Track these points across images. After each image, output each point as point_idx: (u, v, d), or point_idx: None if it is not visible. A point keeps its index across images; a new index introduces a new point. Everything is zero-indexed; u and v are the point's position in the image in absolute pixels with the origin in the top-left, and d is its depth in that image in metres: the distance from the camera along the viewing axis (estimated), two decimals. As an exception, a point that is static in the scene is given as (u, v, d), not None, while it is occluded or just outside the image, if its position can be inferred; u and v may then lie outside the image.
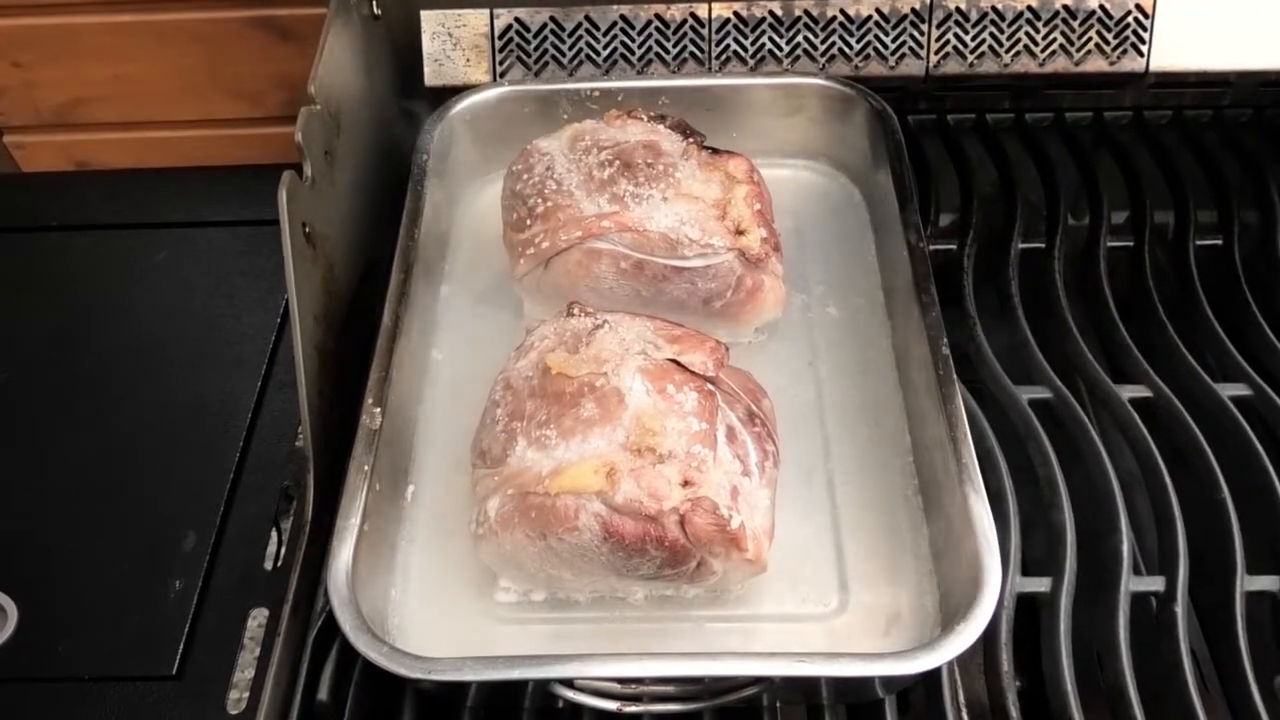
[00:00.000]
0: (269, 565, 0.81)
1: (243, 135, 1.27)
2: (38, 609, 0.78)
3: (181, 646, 0.76)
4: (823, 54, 1.02)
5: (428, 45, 1.02)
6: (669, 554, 0.67)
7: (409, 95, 1.04)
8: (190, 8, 1.16)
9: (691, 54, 1.02)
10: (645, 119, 0.89)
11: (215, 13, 1.16)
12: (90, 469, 0.86)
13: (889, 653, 0.65)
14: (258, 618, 0.78)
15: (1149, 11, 1.00)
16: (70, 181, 1.20)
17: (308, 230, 0.80)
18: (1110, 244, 0.98)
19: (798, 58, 1.02)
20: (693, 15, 1.01)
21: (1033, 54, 1.02)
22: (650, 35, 1.02)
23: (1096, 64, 1.02)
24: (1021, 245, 0.98)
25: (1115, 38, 1.01)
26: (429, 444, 0.84)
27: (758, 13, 1.01)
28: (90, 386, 0.92)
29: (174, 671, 0.75)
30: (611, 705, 0.70)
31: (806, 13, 1.01)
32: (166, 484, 0.85)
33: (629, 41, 1.02)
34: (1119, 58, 1.02)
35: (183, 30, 1.17)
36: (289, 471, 0.85)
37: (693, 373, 0.72)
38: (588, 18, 1.01)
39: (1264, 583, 0.76)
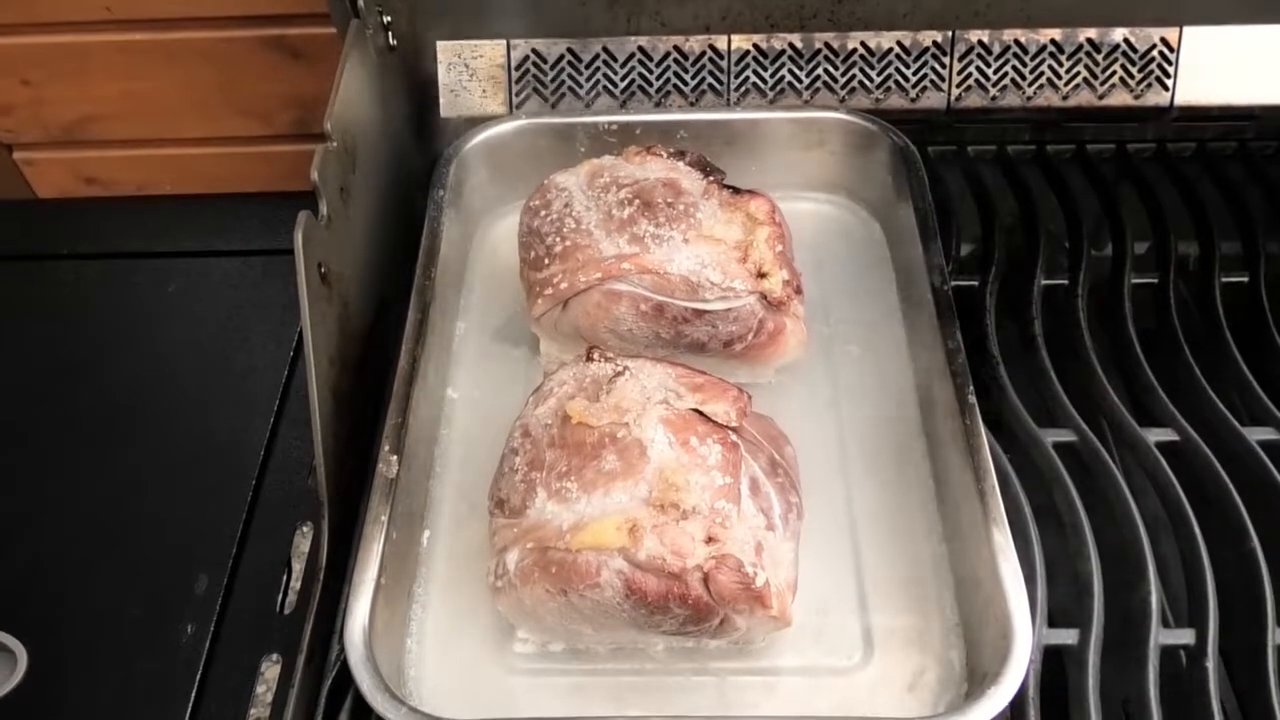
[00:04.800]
0: (281, 609, 0.79)
1: (253, 154, 1.26)
2: (47, 653, 0.77)
3: (193, 695, 0.75)
4: (843, 86, 1.01)
5: (443, 76, 1.01)
6: (693, 611, 0.66)
7: (424, 127, 1.03)
8: (200, 27, 1.15)
9: (710, 86, 1.01)
10: (665, 155, 0.87)
11: (226, 32, 1.15)
12: (100, 508, 0.85)
13: (920, 718, 0.64)
14: (271, 665, 0.77)
15: (1174, 45, 0.99)
16: (81, 208, 1.19)
17: (323, 270, 0.78)
18: (1134, 280, 0.97)
19: (817, 90, 1.01)
20: (711, 47, 1.00)
21: (1055, 87, 1.01)
22: (668, 67, 1.01)
23: (1121, 98, 1.01)
24: (1044, 282, 0.96)
25: (1140, 72, 1.00)
26: (444, 486, 0.83)
27: (777, 45, 1.00)
28: (99, 422, 0.91)
29: (186, 720, 0.74)
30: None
31: (827, 45, 1.00)
32: (178, 524, 0.84)
33: (647, 73, 1.01)
34: (1144, 92, 1.01)
35: (193, 49, 1.17)
36: (302, 512, 0.84)
37: (716, 423, 0.71)
38: (605, 49, 1.00)
39: (1296, 636, 0.75)
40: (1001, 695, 0.64)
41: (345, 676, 0.70)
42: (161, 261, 1.03)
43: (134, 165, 1.27)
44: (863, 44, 1.00)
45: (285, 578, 0.81)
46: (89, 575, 0.81)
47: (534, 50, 1.01)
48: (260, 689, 0.75)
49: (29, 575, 0.82)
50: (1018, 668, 0.65)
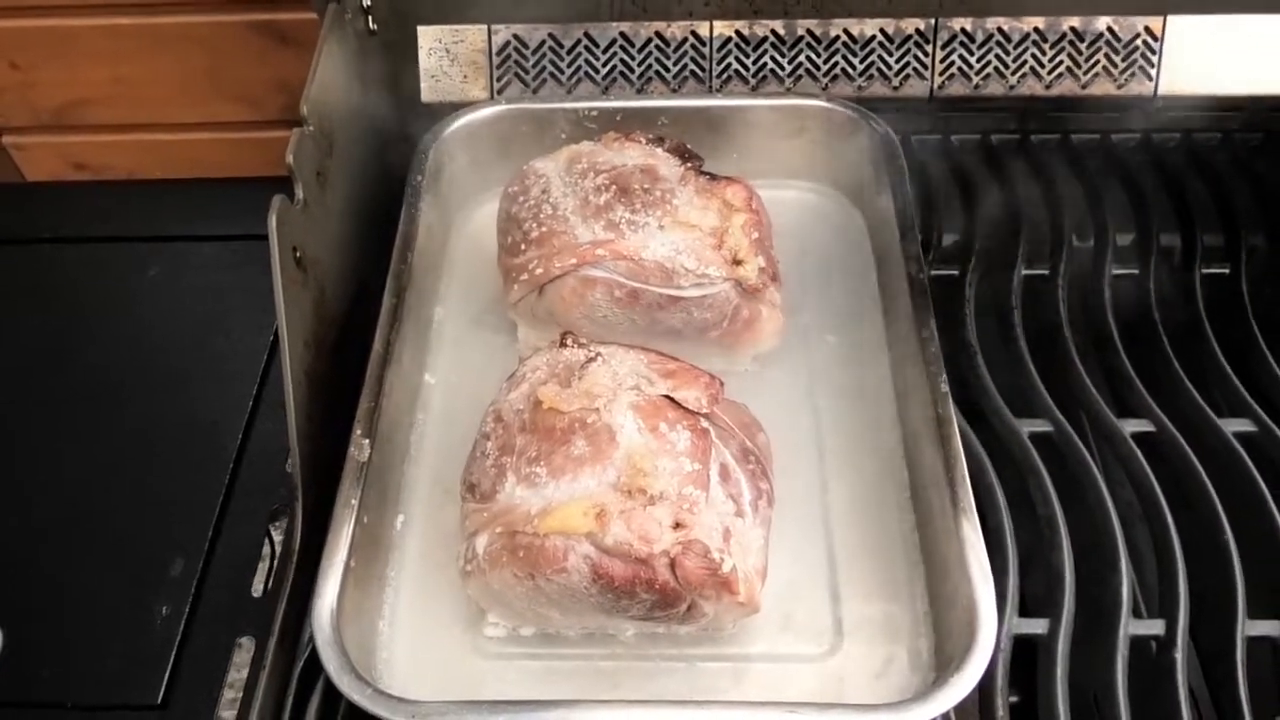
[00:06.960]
0: (257, 590, 0.80)
1: (242, 139, 1.26)
2: (23, 634, 0.77)
3: (168, 675, 0.76)
4: (825, 74, 1.01)
5: (424, 61, 1.01)
6: (659, 597, 0.66)
7: (405, 112, 1.03)
8: (189, 11, 1.15)
9: (692, 73, 1.01)
10: (643, 142, 0.87)
11: (213, 16, 1.15)
12: (77, 490, 0.85)
13: (882, 704, 0.64)
14: (245, 646, 0.77)
15: (1158, 34, 0.99)
16: (64, 192, 1.19)
17: (298, 254, 0.78)
18: (1115, 271, 0.97)
19: (800, 77, 1.01)
20: (693, 33, 1.00)
21: (1039, 76, 1.00)
22: (650, 53, 1.00)
23: (1104, 87, 1.01)
24: (1025, 272, 0.96)
25: (1124, 60, 1.00)
26: (419, 471, 0.83)
27: (759, 32, 0.99)
28: (78, 405, 0.91)
29: (159, 700, 0.74)
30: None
31: (809, 32, 0.99)
32: (155, 507, 0.84)
33: (628, 59, 1.01)
34: (1127, 81, 1.00)
35: (181, 34, 1.16)
36: (279, 495, 0.85)
37: (686, 409, 0.71)
38: (587, 34, 1.00)
39: (1265, 628, 0.75)
40: (965, 683, 0.64)
41: (317, 658, 0.70)
42: (143, 245, 1.03)
43: (124, 150, 1.27)
44: (845, 31, 0.99)
45: (264, 561, 0.81)
46: (66, 556, 0.81)
47: (515, 36, 1.00)
48: (234, 670, 0.76)
49: (5, 556, 0.82)
50: (982, 656, 0.65)
